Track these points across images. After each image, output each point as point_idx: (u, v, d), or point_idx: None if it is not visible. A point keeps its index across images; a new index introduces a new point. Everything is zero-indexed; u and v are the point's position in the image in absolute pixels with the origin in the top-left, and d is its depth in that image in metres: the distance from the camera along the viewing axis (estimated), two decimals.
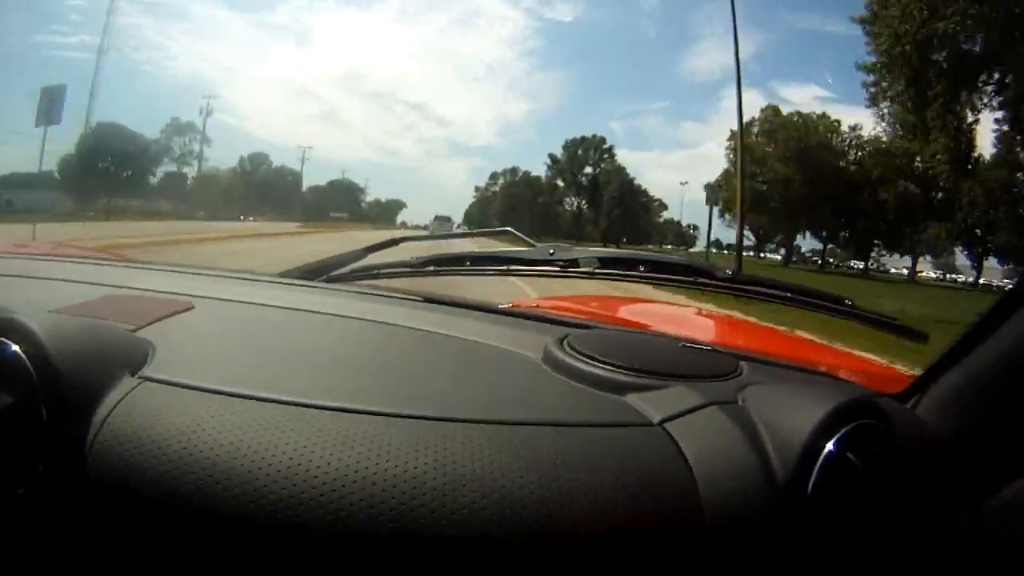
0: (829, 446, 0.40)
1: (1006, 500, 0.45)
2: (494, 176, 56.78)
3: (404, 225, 71.31)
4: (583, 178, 50.88)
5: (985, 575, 0.44)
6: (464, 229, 28.78)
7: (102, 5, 48.13)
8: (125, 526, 0.35)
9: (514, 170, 55.36)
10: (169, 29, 55.70)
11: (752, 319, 1.25)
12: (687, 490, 0.38)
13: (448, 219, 33.84)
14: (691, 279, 0.81)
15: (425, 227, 40.87)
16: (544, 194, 51.50)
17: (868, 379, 0.65)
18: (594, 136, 51.30)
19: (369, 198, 76.16)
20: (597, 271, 0.80)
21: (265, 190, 52.11)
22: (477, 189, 56.97)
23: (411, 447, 0.36)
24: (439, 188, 79.79)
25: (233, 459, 0.35)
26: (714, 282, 0.79)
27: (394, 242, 0.93)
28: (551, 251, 0.81)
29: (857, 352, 1.18)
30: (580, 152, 50.91)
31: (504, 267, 0.80)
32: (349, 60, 75.06)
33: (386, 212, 77.39)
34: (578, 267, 0.79)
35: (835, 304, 0.75)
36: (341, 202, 70.72)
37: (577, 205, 51.19)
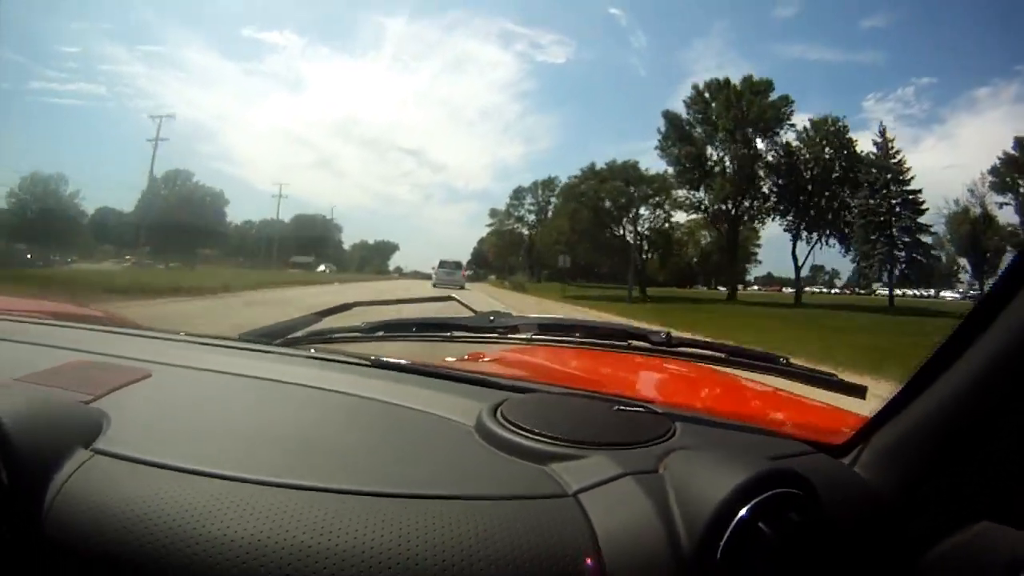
0: (742, 513, 0.41)
1: (954, 549, 0.46)
2: (494, 213, 55.09)
3: (400, 273, 66.86)
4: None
5: None
6: (470, 272, 28.40)
7: (99, 52, 48.80)
8: None
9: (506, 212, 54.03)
10: (163, 77, 55.37)
11: (698, 367, 1.04)
12: (590, 561, 0.39)
13: (457, 265, 28.84)
14: (625, 344, 0.84)
15: (428, 275, 37.78)
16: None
17: (810, 431, 0.65)
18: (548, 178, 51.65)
19: (350, 237, 72.74)
20: (535, 337, 0.85)
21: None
22: (492, 217, 55.01)
23: (337, 522, 0.38)
24: (435, 233, 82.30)
25: (174, 533, 0.37)
26: (648, 345, 0.82)
27: (347, 307, 0.98)
28: (491, 318, 0.85)
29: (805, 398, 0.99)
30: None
31: (447, 333, 0.84)
32: (343, 107, 76.48)
33: (374, 256, 72.72)
34: (517, 333, 0.84)
35: (769, 363, 0.78)
36: (306, 242, 65.51)
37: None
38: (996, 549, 0.45)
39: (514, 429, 0.52)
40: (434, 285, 23.54)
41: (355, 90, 74.88)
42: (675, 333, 0.84)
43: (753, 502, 0.41)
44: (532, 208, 54.14)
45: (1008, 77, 40.36)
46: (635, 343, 0.83)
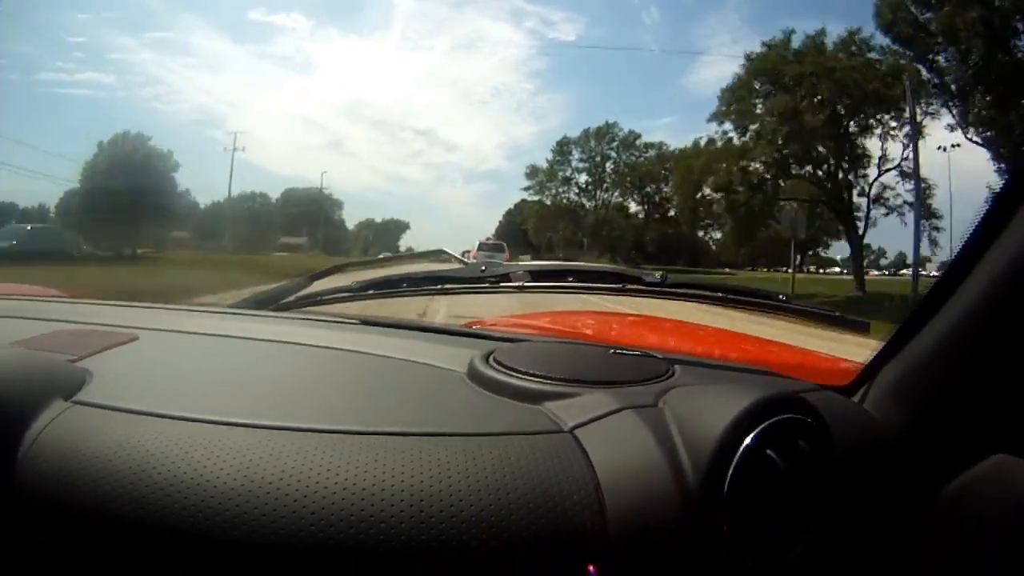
0: (748, 441, 0.39)
1: (968, 483, 0.45)
2: (533, 172, 41.69)
3: (411, 253, 58.08)
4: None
5: (947, 564, 0.45)
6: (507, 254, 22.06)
7: (106, 42, 47.99)
8: (51, 536, 0.37)
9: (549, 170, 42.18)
10: (172, 64, 54.80)
11: (694, 323, 1.07)
12: (589, 497, 0.38)
13: (499, 246, 22.11)
14: (619, 286, 0.82)
15: (462, 258, 27.93)
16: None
17: (813, 373, 0.64)
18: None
19: (353, 216, 68.43)
20: (527, 285, 0.82)
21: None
22: (531, 178, 43.68)
23: (327, 460, 0.38)
24: (448, 214, 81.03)
25: (146, 474, 0.37)
26: (643, 287, 0.81)
27: (338, 268, 0.97)
28: (482, 268, 0.84)
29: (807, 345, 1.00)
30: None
31: (438, 286, 0.83)
32: (354, 88, 75.01)
33: (381, 237, 66.12)
34: (509, 281, 0.82)
35: (768, 300, 0.75)
36: (296, 222, 55.07)
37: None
38: (1012, 482, 0.43)
39: (507, 371, 0.51)
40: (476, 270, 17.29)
41: (365, 71, 71.76)
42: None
43: (759, 428, 0.39)
44: (584, 165, 41.22)
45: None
46: (629, 285, 0.81)
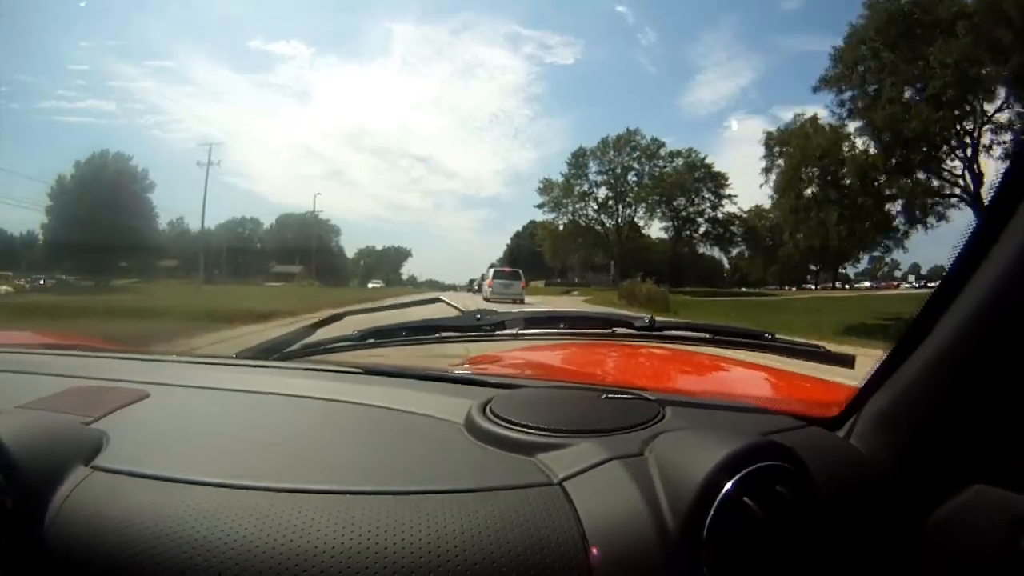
0: (727, 488, 0.40)
1: (949, 514, 0.46)
2: (547, 186, 37.77)
3: (414, 284, 62.45)
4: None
5: None
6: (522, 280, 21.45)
7: (106, 70, 50.48)
8: None
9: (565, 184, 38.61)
10: (172, 92, 56.71)
11: (688, 349, 1.07)
12: (575, 549, 0.39)
13: (515, 274, 21.56)
14: (609, 331, 0.85)
15: (470, 285, 33.62)
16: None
17: (801, 406, 0.65)
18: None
19: (354, 244, 69.41)
20: (521, 332, 0.86)
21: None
22: (544, 193, 39.42)
23: (322, 521, 0.39)
24: (448, 240, 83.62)
25: (170, 540, 0.39)
26: (633, 331, 0.83)
27: (338, 317, 1.02)
28: (477, 316, 0.87)
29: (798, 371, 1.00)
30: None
31: (436, 335, 0.87)
32: (353, 116, 78.52)
33: (382, 265, 65.20)
34: (504, 329, 0.86)
35: (755, 340, 0.78)
36: (290, 249, 51.73)
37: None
38: (991, 511, 0.45)
39: (501, 423, 0.53)
40: (486, 299, 17.98)
41: (364, 98, 75.93)
42: (658, 318, 0.83)
43: (737, 476, 0.41)
44: (604, 178, 37.35)
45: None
46: (619, 330, 0.84)
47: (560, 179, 37.72)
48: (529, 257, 44.27)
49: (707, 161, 37.22)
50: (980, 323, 0.44)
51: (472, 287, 29.78)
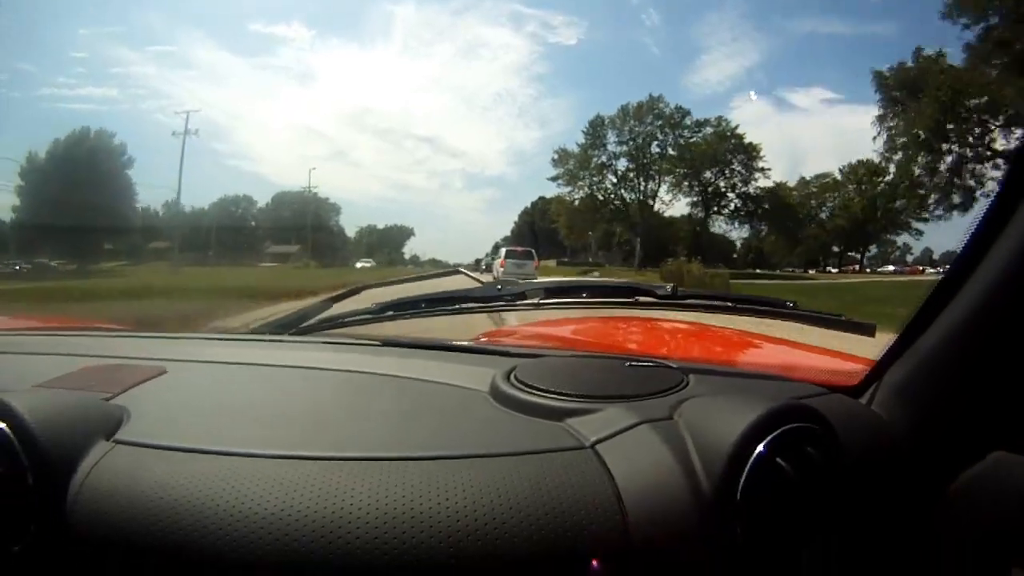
0: (759, 449, 0.41)
1: (970, 481, 0.47)
2: (562, 158, 35.16)
3: (416, 263, 62.07)
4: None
5: (955, 560, 0.46)
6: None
7: (107, 56, 49.80)
8: (114, 573, 0.40)
9: (582, 155, 35.21)
10: (174, 77, 55.11)
11: (709, 323, 1.09)
12: (611, 510, 0.40)
13: (528, 253, 20.22)
14: (631, 299, 0.86)
15: (476, 264, 30.89)
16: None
17: (824, 375, 0.65)
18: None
19: (352, 222, 67.73)
20: (542, 302, 0.85)
21: None
22: (559, 164, 36.33)
23: (353, 487, 0.39)
24: (453, 220, 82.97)
25: (197, 510, 0.39)
26: (654, 300, 0.84)
27: (356, 291, 1.06)
28: (499, 287, 0.86)
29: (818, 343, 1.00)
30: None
31: (456, 306, 0.85)
32: (356, 98, 76.44)
33: (385, 243, 63.18)
34: (525, 299, 0.85)
35: (777, 308, 0.79)
36: (287, 228, 49.11)
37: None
38: (1010, 478, 0.45)
39: (528, 389, 0.53)
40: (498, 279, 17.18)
41: (367, 80, 73.85)
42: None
43: (769, 438, 0.41)
44: (625, 147, 34.07)
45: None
46: (641, 298, 0.84)
47: (576, 149, 34.30)
48: (539, 235, 41.60)
49: (738, 131, 33.62)
50: (997, 294, 0.45)
51: (480, 266, 28.08)
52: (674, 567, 0.40)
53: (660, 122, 33.29)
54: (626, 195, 34.28)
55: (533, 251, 20.71)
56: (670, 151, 33.50)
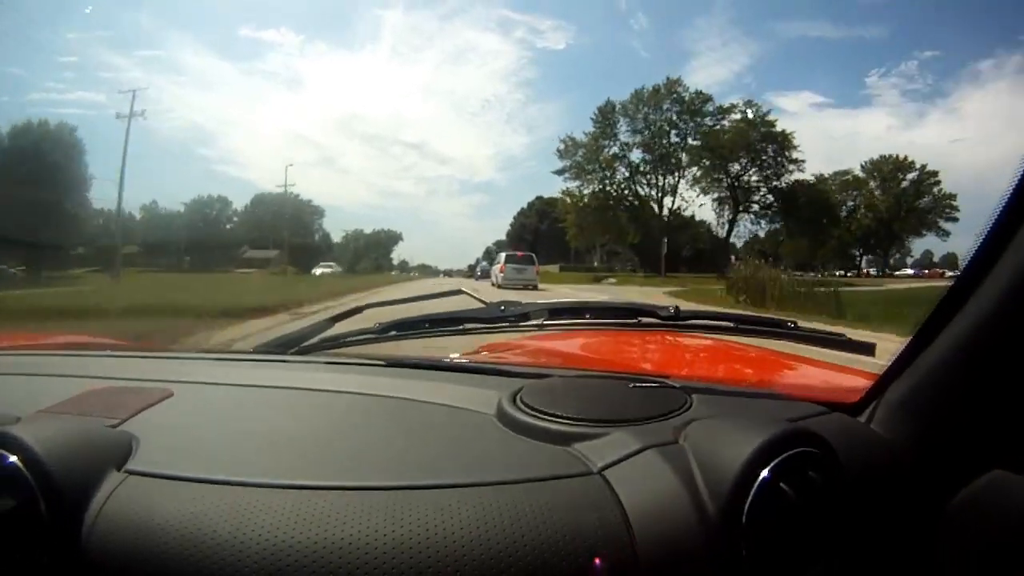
0: (763, 475, 0.42)
1: (968, 499, 0.48)
2: (569, 148, 31.47)
3: (403, 269, 60.59)
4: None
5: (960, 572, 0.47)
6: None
7: (97, 60, 49.26)
8: None
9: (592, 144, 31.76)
10: (162, 82, 54.09)
11: (708, 339, 1.15)
12: (621, 535, 0.40)
13: (529, 258, 19.49)
14: (634, 320, 0.86)
15: (471, 271, 30.90)
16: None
17: (825, 392, 0.67)
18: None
19: (340, 228, 65.42)
20: (546, 323, 0.87)
21: None
22: (565, 156, 32.85)
23: (366, 517, 0.39)
24: (442, 226, 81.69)
25: (214, 544, 0.39)
26: (658, 321, 0.85)
27: (358, 310, 1.02)
28: (502, 307, 0.87)
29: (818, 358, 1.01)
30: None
31: (460, 327, 0.87)
32: (344, 103, 77.35)
33: (372, 249, 59.64)
34: (528, 320, 0.86)
35: (778, 328, 0.80)
36: (266, 232, 45.11)
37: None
38: (1009, 496, 0.46)
39: (534, 413, 0.53)
40: (497, 286, 17.30)
41: (355, 85, 72.38)
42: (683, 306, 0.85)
43: (773, 463, 0.42)
44: (640, 137, 30.37)
45: (1011, 48, 38.06)
46: (644, 320, 0.85)
47: (584, 138, 30.45)
48: (536, 238, 37.88)
49: (768, 117, 29.92)
50: (1000, 312, 0.45)
51: (475, 273, 25.97)
52: None
53: (679, 108, 29.63)
54: (640, 190, 30.52)
55: (533, 256, 20.16)
56: (690, 140, 29.79)
